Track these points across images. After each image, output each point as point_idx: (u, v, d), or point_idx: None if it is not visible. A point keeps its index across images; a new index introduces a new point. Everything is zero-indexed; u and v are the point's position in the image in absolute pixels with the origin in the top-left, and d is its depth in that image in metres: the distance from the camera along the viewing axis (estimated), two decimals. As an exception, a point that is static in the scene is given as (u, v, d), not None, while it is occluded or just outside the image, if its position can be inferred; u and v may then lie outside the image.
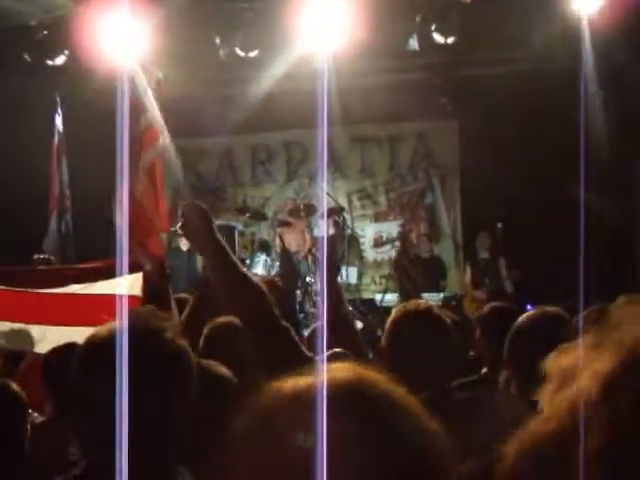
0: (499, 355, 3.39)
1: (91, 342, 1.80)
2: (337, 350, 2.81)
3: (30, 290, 5.01)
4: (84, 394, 1.76)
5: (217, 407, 2.14)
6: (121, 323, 1.68)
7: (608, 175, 8.67)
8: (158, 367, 1.74)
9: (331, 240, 9.62)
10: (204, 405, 1.81)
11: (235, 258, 2.48)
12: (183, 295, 5.11)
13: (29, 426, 2.98)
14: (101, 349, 1.69)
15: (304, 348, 2.46)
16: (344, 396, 1.02)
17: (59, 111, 9.38)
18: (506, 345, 3.16)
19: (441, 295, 9.48)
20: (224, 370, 2.62)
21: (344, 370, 1.07)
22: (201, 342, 3.39)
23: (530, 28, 8.78)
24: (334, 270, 3.04)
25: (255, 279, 2.55)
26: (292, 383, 1.07)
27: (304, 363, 1.59)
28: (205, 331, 3.45)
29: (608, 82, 9.02)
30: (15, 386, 2.99)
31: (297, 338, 2.49)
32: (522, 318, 3.23)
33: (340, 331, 3.07)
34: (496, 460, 0.66)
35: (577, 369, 0.61)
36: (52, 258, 8.02)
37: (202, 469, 1.85)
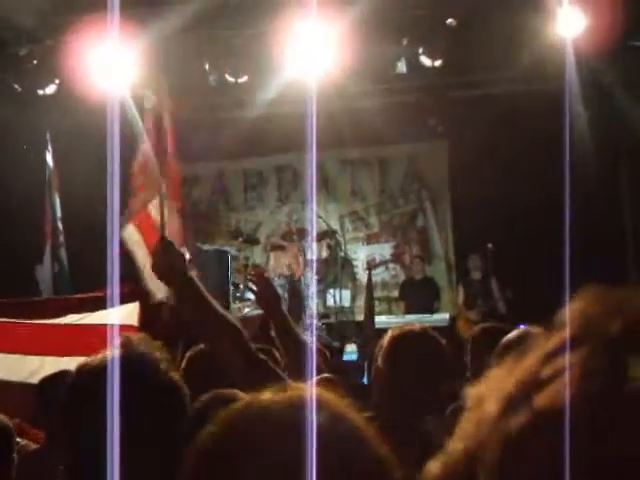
0: None
1: (82, 371, 1.76)
2: (326, 375, 2.80)
3: (27, 321, 4.99)
4: (71, 424, 1.73)
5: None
6: (112, 353, 1.65)
7: (595, 194, 8.72)
8: (154, 398, 1.70)
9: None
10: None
11: (206, 294, 2.49)
12: None
13: (16, 455, 2.96)
14: (91, 378, 1.66)
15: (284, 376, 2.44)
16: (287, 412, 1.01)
17: (49, 148, 9.37)
18: (493, 361, 3.16)
19: (434, 317, 9.48)
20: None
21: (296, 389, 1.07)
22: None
23: (516, 50, 8.86)
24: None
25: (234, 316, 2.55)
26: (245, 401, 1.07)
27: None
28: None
29: (593, 102, 9.10)
30: (1, 416, 2.99)
31: (274, 369, 2.48)
32: (509, 336, 3.24)
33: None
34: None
35: (487, 394, 0.63)
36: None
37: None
